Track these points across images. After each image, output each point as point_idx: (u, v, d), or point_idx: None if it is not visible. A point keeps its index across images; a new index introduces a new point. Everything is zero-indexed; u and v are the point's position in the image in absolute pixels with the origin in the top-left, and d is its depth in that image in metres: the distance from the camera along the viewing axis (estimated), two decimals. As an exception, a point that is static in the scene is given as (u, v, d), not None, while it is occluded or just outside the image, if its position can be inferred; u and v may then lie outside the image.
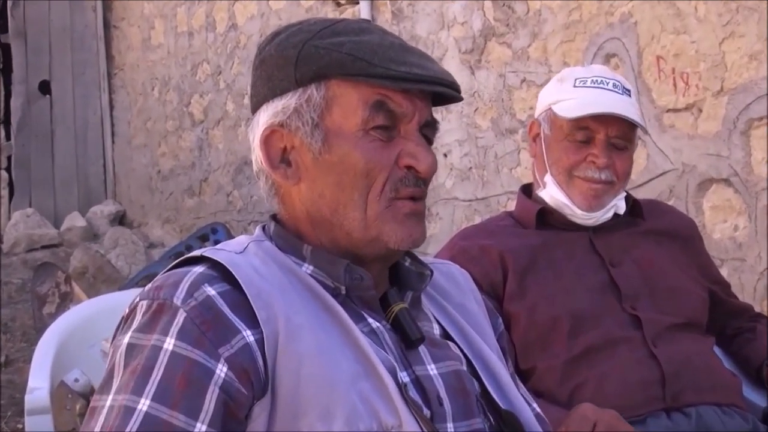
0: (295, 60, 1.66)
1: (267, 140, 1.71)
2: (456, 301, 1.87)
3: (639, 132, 2.80)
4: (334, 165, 1.65)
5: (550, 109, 2.78)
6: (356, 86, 1.64)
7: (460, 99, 1.73)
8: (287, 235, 1.72)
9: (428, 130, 1.71)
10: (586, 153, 2.74)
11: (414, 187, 1.67)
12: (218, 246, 1.70)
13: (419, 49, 1.72)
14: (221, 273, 1.59)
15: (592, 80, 2.75)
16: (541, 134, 2.82)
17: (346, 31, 1.66)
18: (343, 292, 1.67)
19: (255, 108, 1.75)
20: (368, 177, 1.64)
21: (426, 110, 1.69)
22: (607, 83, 2.74)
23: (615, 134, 2.73)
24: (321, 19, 1.72)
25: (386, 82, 1.63)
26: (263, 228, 1.78)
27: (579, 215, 2.77)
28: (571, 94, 2.75)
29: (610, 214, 2.79)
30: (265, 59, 1.72)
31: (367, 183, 1.64)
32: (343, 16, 6.24)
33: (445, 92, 1.68)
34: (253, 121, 1.75)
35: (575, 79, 2.77)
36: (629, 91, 2.77)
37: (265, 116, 1.71)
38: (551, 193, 2.80)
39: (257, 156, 1.74)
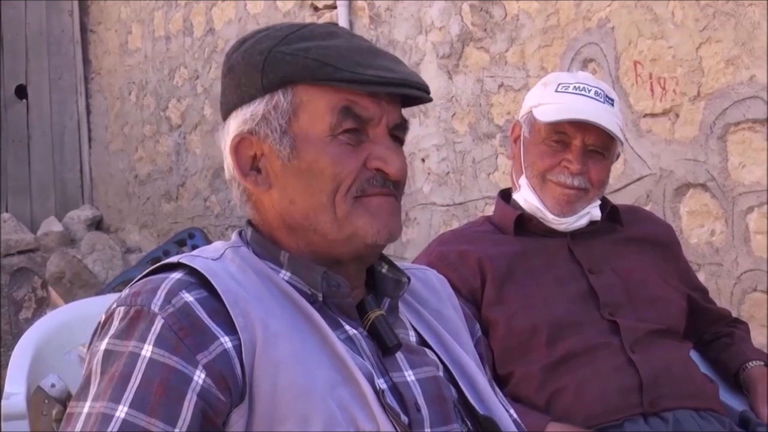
0: (262, 66, 1.66)
1: (237, 148, 1.71)
2: (432, 307, 1.87)
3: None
4: (303, 171, 1.65)
5: (530, 112, 2.79)
6: (323, 91, 1.64)
7: (429, 100, 1.73)
8: (264, 242, 1.72)
9: (398, 131, 1.72)
10: (561, 158, 2.74)
11: (382, 187, 1.67)
12: (195, 252, 1.70)
13: (387, 52, 1.72)
14: (199, 279, 1.59)
15: (575, 86, 2.76)
16: (521, 136, 2.83)
17: (313, 35, 1.66)
18: (320, 299, 1.66)
19: (225, 116, 1.75)
20: (335, 181, 1.64)
21: (395, 113, 1.70)
22: (589, 90, 2.75)
23: (592, 142, 2.73)
24: (288, 25, 1.72)
25: (353, 86, 1.63)
26: (240, 234, 1.77)
27: (551, 219, 2.77)
28: (552, 98, 2.76)
29: (583, 221, 2.79)
30: (233, 67, 1.72)
31: (334, 186, 1.64)
32: (321, 20, 6.22)
33: (413, 94, 1.69)
34: (223, 128, 1.75)
35: (558, 84, 2.78)
36: (612, 100, 2.77)
37: (234, 124, 1.71)
38: (525, 196, 2.80)
39: (228, 164, 1.74)
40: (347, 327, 1.67)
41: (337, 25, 1.75)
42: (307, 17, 6.38)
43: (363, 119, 1.66)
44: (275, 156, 1.67)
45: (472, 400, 1.75)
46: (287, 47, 1.65)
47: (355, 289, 1.73)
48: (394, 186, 1.69)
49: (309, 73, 1.63)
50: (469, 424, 1.72)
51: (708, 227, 3.93)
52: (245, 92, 1.69)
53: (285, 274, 1.68)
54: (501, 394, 1.93)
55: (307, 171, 1.65)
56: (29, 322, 6.09)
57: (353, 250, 1.68)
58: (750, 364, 2.84)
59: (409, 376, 1.67)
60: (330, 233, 1.66)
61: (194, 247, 4.72)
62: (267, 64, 1.66)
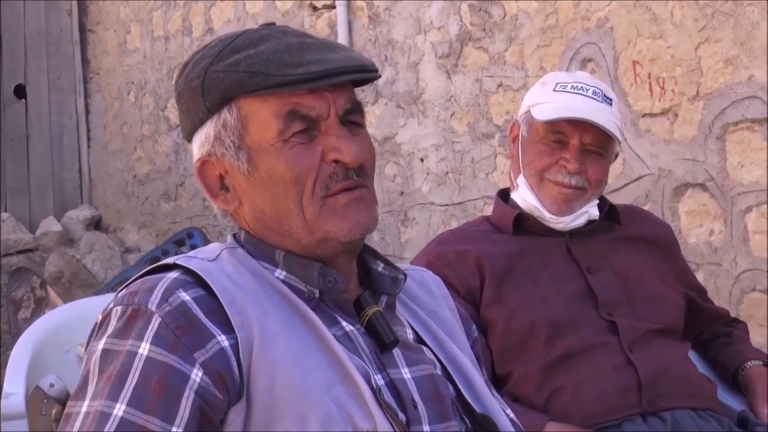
0: (201, 89, 1.68)
1: (201, 172, 1.74)
2: (428, 307, 1.88)
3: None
4: (264, 181, 1.66)
5: (529, 111, 2.79)
6: (263, 100, 1.65)
7: (377, 77, 1.73)
8: (258, 242, 1.73)
9: (353, 115, 1.70)
10: (559, 157, 2.74)
11: (345, 180, 1.66)
12: (191, 253, 1.71)
13: (322, 41, 1.71)
14: (195, 279, 1.60)
15: (573, 86, 2.75)
16: (520, 136, 2.83)
17: (245, 45, 1.66)
18: (317, 295, 1.67)
19: (188, 141, 1.78)
20: (297, 183, 1.65)
21: (342, 99, 1.68)
22: (587, 90, 2.74)
23: (589, 141, 2.73)
24: (223, 38, 1.72)
25: (286, 89, 1.63)
26: (234, 236, 1.78)
27: (548, 218, 2.77)
28: (550, 97, 2.76)
29: (581, 221, 2.79)
30: (181, 94, 1.74)
31: (298, 189, 1.65)
32: (319, 20, 6.23)
33: (351, 78, 1.68)
34: None
35: (556, 84, 2.78)
36: (610, 99, 2.77)
37: (195, 148, 1.75)
38: (523, 196, 2.80)
39: None
40: (344, 323, 1.67)
41: (271, 25, 1.75)
42: (305, 17, 6.37)
43: (311, 118, 1.65)
44: (237, 172, 1.69)
45: (469, 399, 1.75)
46: (220, 64, 1.66)
47: (350, 282, 1.73)
48: (357, 174, 1.68)
49: (242, 86, 1.64)
50: (467, 422, 1.72)
51: (707, 227, 3.93)
52: (195, 116, 1.72)
53: (280, 273, 1.68)
54: (498, 394, 1.93)
55: (268, 180, 1.66)
56: (28, 321, 6.08)
57: (331, 251, 1.69)
58: (749, 363, 2.84)
59: (406, 373, 1.68)
60: (303, 238, 1.67)
61: (193, 247, 4.72)
62: (205, 86, 1.67)
